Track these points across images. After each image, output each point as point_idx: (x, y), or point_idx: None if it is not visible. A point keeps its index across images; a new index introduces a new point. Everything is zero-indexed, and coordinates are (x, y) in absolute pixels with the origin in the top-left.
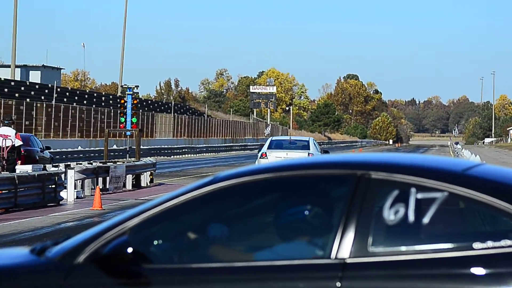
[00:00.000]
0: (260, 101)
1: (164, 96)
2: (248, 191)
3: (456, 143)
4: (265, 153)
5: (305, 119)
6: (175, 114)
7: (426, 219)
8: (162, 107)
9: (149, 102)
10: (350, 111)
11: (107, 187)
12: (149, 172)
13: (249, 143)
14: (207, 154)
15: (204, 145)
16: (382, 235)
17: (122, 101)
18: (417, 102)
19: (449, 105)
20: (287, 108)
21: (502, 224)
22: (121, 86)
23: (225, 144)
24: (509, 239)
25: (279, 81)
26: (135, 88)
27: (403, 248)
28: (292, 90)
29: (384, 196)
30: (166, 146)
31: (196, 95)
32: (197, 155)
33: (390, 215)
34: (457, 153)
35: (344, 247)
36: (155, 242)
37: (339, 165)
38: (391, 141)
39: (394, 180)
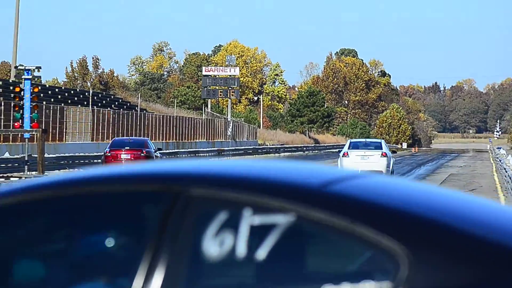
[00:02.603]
0: (217, 88)
1: (79, 82)
2: (14, 216)
3: (499, 148)
4: (347, 152)
5: (281, 113)
6: (95, 107)
7: (261, 253)
8: (76, 98)
9: (57, 90)
10: (346, 101)
11: None
12: None
13: (202, 149)
14: None
15: None
16: (199, 275)
17: (17, 89)
18: (442, 88)
19: (488, 92)
20: (255, 99)
21: (366, 261)
22: (15, 67)
23: (167, 150)
24: (374, 280)
25: (244, 60)
26: (36, 70)
27: None
28: (262, 72)
29: (209, 220)
30: (82, 154)
31: (125, 80)
32: None
33: (211, 247)
34: (500, 161)
35: None
36: None
37: (148, 177)
38: (404, 145)
39: (222, 198)
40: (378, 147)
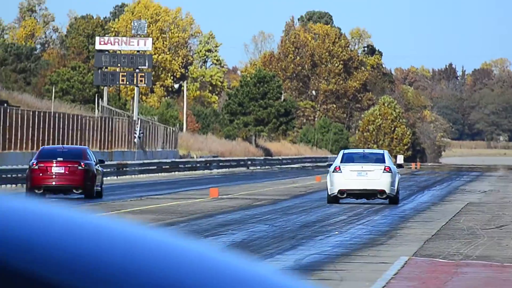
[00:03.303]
0: (118, 70)
1: None
2: None
3: None
4: (339, 166)
5: (215, 110)
6: None
7: None
8: None
9: None
10: (314, 92)
11: None
12: None
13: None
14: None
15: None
16: None
17: None
18: (460, 73)
19: None
20: (176, 87)
21: None
22: None
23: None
24: None
25: (160, 27)
26: None
27: None
28: (187, 46)
29: None
30: None
31: None
32: None
33: None
34: None
35: None
36: None
37: None
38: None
39: None
40: (380, 160)
